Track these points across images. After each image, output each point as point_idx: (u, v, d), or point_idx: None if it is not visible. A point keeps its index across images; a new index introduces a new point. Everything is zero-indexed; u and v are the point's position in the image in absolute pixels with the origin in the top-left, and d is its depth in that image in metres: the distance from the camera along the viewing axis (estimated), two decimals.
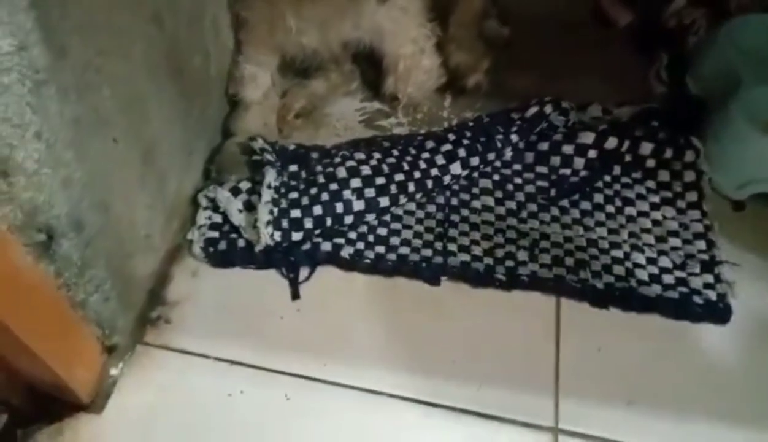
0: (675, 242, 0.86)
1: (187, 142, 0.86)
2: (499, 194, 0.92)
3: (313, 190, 0.86)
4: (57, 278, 0.62)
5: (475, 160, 0.92)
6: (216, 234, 0.86)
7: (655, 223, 0.88)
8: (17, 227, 0.54)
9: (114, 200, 0.68)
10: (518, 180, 0.94)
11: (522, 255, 0.85)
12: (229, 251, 0.85)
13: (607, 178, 0.93)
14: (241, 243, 0.85)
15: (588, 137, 0.93)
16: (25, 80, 0.50)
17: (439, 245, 0.86)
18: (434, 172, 0.90)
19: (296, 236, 0.84)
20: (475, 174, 0.93)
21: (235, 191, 0.88)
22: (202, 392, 0.74)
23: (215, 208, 0.88)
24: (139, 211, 0.75)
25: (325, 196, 0.85)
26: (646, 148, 0.92)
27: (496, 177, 0.94)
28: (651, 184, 0.93)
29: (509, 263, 0.84)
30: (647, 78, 1.10)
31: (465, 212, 0.90)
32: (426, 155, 0.92)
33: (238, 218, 0.86)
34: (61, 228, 0.59)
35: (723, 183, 0.92)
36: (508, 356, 0.77)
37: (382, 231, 0.88)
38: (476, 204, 0.91)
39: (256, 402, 0.73)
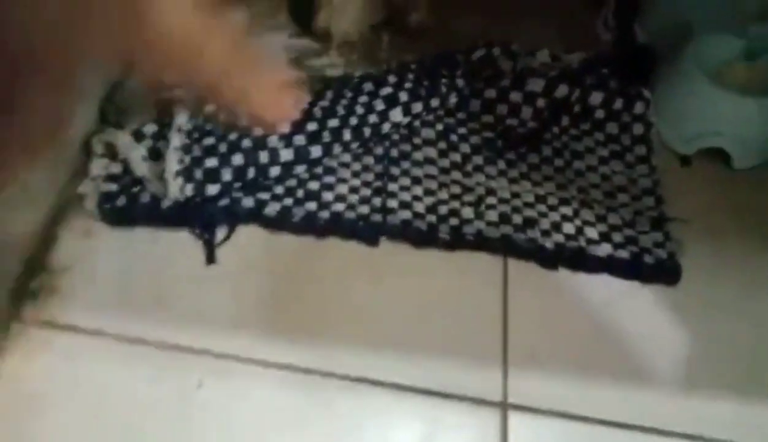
0: (624, 198, 0.82)
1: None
2: (442, 146, 0.84)
3: (233, 136, 0.74)
4: None
5: (417, 107, 0.82)
6: (114, 187, 0.73)
7: (604, 178, 0.84)
8: None
9: None
10: (463, 130, 0.86)
11: (467, 212, 0.77)
12: (131, 207, 0.72)
13: (555, 129, 0.87)
14: (144, 198, 0.72)
15: (537, 84, 0.86)
16: None
17: (377, 201, 0.77)
18: (372, 118, 0.80)
19: (212, 190, 0.72)
20: (417, 122, 0.84)
21: (138, 136, 0.74)
22: (99, 378, 0.62)
23: (113, 156, 0.74)
24: None
25: (246, 143, 0.74)
26: (596, 98, 0.87)
27: (440, 126, 0.85)
28: (600, 136, 0.88)
29: (453, 221, 0.76)
30: (594, 24, 1.04)
31: (406, 165, 0.81)
32: (363, 99, 0.81)
33: (142, 168, 0.73)
34: None
35: (671, 137, 0.88)
36: (454, 325, 0.70)
37: (314, 185, 0.77)
38: (418, 156, 0.82)
39: (165, 389, 0.62)
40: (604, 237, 0.77)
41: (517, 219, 0.78)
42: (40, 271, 0.67)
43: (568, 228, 0.77)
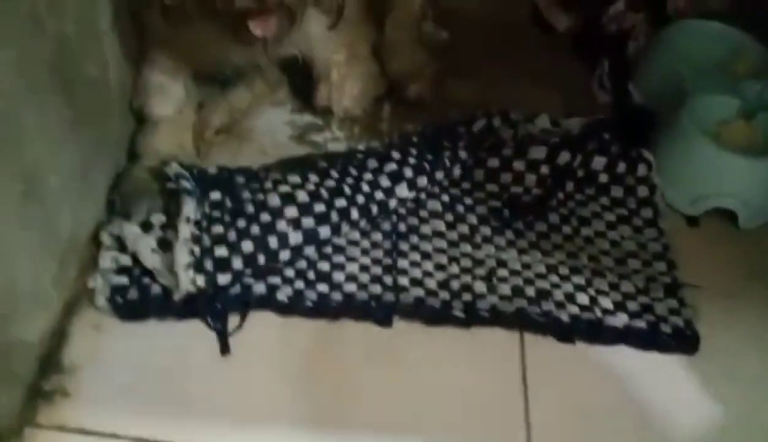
0: (635, 264, 0.82)
1: (82, 167, 0.71)
2: (449, 217, 0.84)
3: (241, 223, 0.74)
4: None
5: (422, 181, 0.83)
6: (124, 280, 0.72)
7: (613, 244, 0.84)
8: None
9: None
10: (468, 200, 0.86)
11: (479, 287, 0.77)
12: (142, 300, 0.71)
13: (560, 195, 0.87)
14: (155, 290, 0.72)
15: (540, 152, 0.87)
16: None
17: (388, 279, 0.76)
18: (379, 195, 0.80)
19: (223, 279, 0.71)
20: (422, 195, 0.85)
21: (147, 227, 0.74)
22: None
23: (122, 248, 0.74)
24: (20, 264, 0.60)
25: (255, 229, 0.73)
26: (599, 162, 0.87)
27: (445, 198, 0.86)
28: (605, 200, 0.88)
29: (467, 297, 0.76)
30: (590, 85, 1.06)
31: (414, 239, 0.81)
32: (369, 176, 0.82)
33: (152, 260, 0.72)
34: None
35: (676, 198, 0.89)
36: (474, 405, 0.69)
37: (324, 266, 0.77)
38: (426, 229, 0.82)
39: None
40: (620, 306, 0.77)
41: (530, 291, 0.77)
42: (52, 370, 0.66)
43: (582, 299, 0.77)
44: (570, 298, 0.77)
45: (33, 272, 0.62)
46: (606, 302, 0.77)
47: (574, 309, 0.76)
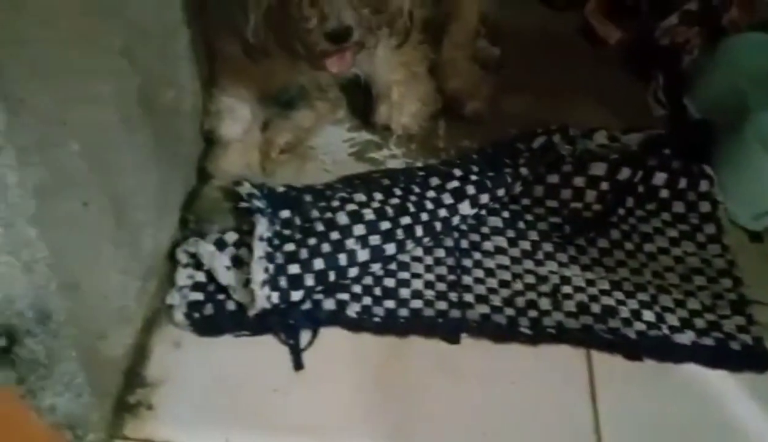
0: (700, 280, 0.81)
1: (161, 187, 0.74)
2: (511, 234, 0.85)
3: (312, 241, 0.76)
4: (19, 385, 0.49)
5: (484, 198, 0.84)
6: (200, 296, 0.75)
7: (677, 260, 0.83)
8: None
9: (84, 275, 0.56)
10: (529, 217, 0.87)
11: (544, 303, 0.78)
12: (217, 316, 0.73)
13: (621, 211, 0.87)
14: (230, 306, 0.74)
15: (600, 168, 0.87)
16: None
17: (454, 296, 0.78)
18: (442, 212, 0.81)
19: (296, 296, 0.73)
20: (483, 211, 0.86)
21: (221, 244, 0.77)
22: None
23: (197, 265, 0.76)
24: (112, 281, 0.63)
25: (326, 247, 0.75)
26: (660, 178, 0.87)
27: (506, 214, 0.87)
28: (667, 216, 0.88)
29: (532, 313, 0.77)
30: (645, 99, 1.06)
31: (477, 256, 0.82)
32: (432, 194, 0.83)
33: (226, 277, 0.74)
34: (25, 325, 0.47)
35: (738, 213, 0.88)
36: (543, 422, 0.70)
37: (390, 282, 0.79)
38: (488, 246, 0.83)
39: None
40: (686, 324, 0.77)
41: (596, 308, 0.77)
42: (136, 384, 0.69)
43: (648, 316, 0.77)
44: (636, 315, 0.77)
45: (121, 289, 0.65)
46: (672, 319, 0.77)
47: (640, 326, 0.76)
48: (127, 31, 0.59)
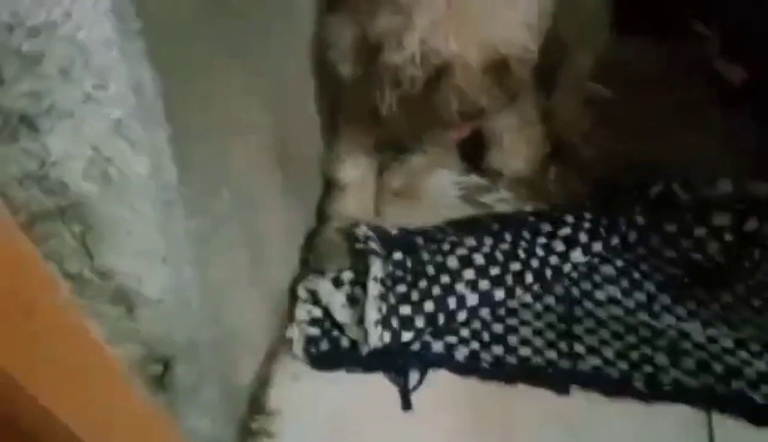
0: None
1: (288, 231, 0.80)
2: (624, 284, 0.83)
3: (423, 283, 0.79)
4: (169, 407, 0.55)
5: (597, 246, 0.83)
6: (317, 331, 0.80)
7: None
8: (136, 363, 0.49)
9: (226, 310, 0.62)
10: (645, 267, 0.84)
11: (661, 359, 0.75)
12: (333, 352, 0.78)
13: (747, 264, 0.83)
14: (344, 342, 0.78)
15: (723, 218, 0.84)
16: (155, 203, 0.44)
17: (563, 346, 0.77)
18: (553, 260, 0.82)
19: (406, 337, 0.76)
20: (596, 260, 0.84)
21: (337, 283, 0.81)
22: None
23: (315, 301, 0.81)
24: (246, 315, 0.69)
25: (436, 290, 0.78)
26: None
27: (619, 263, 0.85)
28: None
29: (647, 369, 0.74)
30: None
31: (588, 305, 0.81)
32: (542, 240, 0.83)
33: (342, 314, 0.79)
34: (179, 355, 0.53)
35: None
36: None
37: (498, 328, 0.79)
38: (600, 295, 0.82)
39: None
40: None
41: (718, 368, 0.74)
42: (258, 411, 0.74)
43: None
44: (763, 377, 0.72)
45: (254, 322, 0.71)
46: None
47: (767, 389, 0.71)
48: (272, 88, 0.66)
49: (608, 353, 0.76)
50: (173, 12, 0.46)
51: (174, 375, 0.53)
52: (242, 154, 0.61)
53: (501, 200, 0.96)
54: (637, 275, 0.83)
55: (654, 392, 0.72)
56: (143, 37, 0.40)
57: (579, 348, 0.77)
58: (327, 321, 0.80)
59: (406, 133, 0.81)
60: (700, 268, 0.83)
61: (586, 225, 0.84)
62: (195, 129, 0.50)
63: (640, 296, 0.81)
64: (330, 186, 0.91)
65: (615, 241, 0.84)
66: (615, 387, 0.73)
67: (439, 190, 0.98)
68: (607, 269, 0.84)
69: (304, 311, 0.81)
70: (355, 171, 0.89)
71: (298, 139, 0.78)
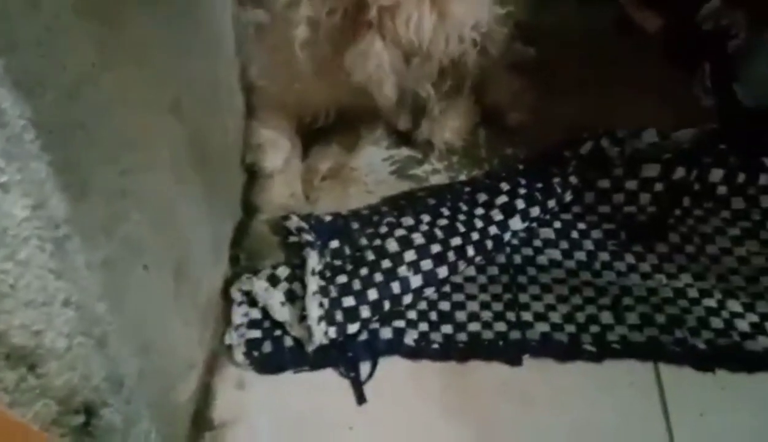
0: None
1: (215, 233, 0.74)
2: (564, 245, 0.83)
3: (364, 271, 0.75)
4: None
5: (535, 211, 0.82)
6: (257, 334, 0.75)
7: (742, 261, 0.80)
8: (52, 420, 0.43)
9: (152, 335, 0.57)
10: (582, 225, 0.84)
11: (606, 317, 0.76)
12: (276, 353, 0.73)
13: (678, 212, 0.84)
14: (288, 342, 0.74)
15: (652, 169, 0.84)
16: (45, 245, 0.38)
17: (511, 316, 0.76)
18: (493, 230, 0.80)
19: (352, 328, 0.73)
20: (534, 224, 0.84)
21: (273, 280, 0.76)
22: None
23: (252, 303, 0.76)
24: (176, 335, 0.63)
25: (378, 276, 0.75)
26: (716, 174, 0.84)
27: (557, 224, 0.85)
28: (726, 214, 0.84)
29: (594, 329, 0.75)
30: (691, 90, 1.02)
31: (532, 271, 0.80)
32: (480, 211, 0.81)
33: (282, 313, 0.74)
34: (101, 398, 0.47)
35: None
36: (615, 440, 0.68)
37: (445, 306, 0.77)
38: (542, 260, 0.81)
39: None
40: (758, 328, 0.74)
41: (661, 319, 0.75)
42: (204, 428, 0.69)
43: (717, 323, 0.74)
44: (703, 323, 0.74)
45: (186, 339, 0.66)
46: (743, 325, 0.74)
47: (709, 335, 0.73)
48: (178, 88, 0.59)
49: (555, 317, 0.76)
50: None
51: (100, 420, 0.47)
52: (151, 167, 0.54)
53: (434, 172, 0.94)
54: (575, 235, 0.83)
55: (603, 351, 0.73)
56: None
57: (527, 316, 0.76)
58: (267, 322, 0.76)
59: (320, 95, 0.76)
60: (635, 221, 0.84)
61: (522, 191, 0.82)
62: (87, 151, 0.43)
63: (581, 256, 0.82)
64: (254, 176, 0.85)
65: (551, 203, 0.83)
66: (565, 352, 0.73)
67: (370, 167, 0.94)
68: (547, 233, 0.84)
69: (240, 313, 0.76)
70: (278, 157, 0.84)
71: (215, 136, 0.72)
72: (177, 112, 0.59)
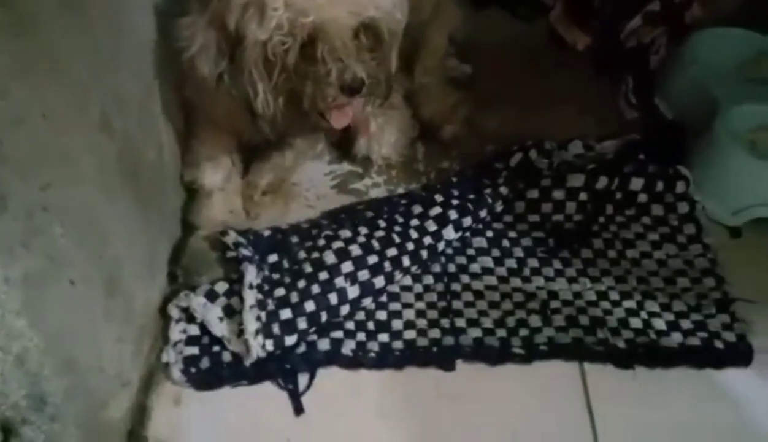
0: (684, 282, 0.83)
1: (150, 249, 0.74)
2: (496, 253, 0.86)
3: (301, 283, 0.77)
4: None
5: (467, 221, 0.85)
6: (195, 350, 0.75)
7: (660, 263, 0.85)
8: None
9: (79, 352, 0.57)
10: (512, 233, 0.88)
11: (535, 320, 0.79)
12: (214, 369, 0.74)
13: (601, 219, 0.89)
14: (226, 357, 0.75)
15: (577, 179, 0.89)
16: None
17: (446, 322, 0.79)
18: (427, 240, 0.83)
19: (290, 341, 0.74)
20: (467, 234, 0.87)
21: (211, 296, 0.77)
22: None
23: (190, 319, 0.77)
24: (107, 351, 0.64)
25: (315, 288, 0.76)
26: (637, 183, 0.89)
27: (490, 233, 0.88)
28: (647, 220, 0.89)
29: (524, 332, 0.78)
30: (616, 103, 1.07)
31: (465, 279, 0.83)
32: (415, 222, 0.84)
33: (220, 328, 0.75)
34: (21, 415, 0.48)
35: (717, 210, 0.90)
36: (543, 437, 0.71)
37: (382, 315, 0.80)
38: (475, 267, 0.85)
39: None
40: (673, 326, 0.78)
41: (584, 320, 0.79)
42: None
43: (636, 323, 0.79)
44: (624, 323, 0.79)
45: (117, 357, 0.66)
46: (659, 324, 0.79)
47: (628, 334, 0.78)
48: (103, 101, 0.60)
49: (487, 322, 0.79)
50: None
51: (20, 438, 0.47)
52: (75, 182, 0.55)
53: (374, 185, 0.96)
54: (506, 243, 0.87)
55: (531, 353, 0.76)
56: None
57: (460, 322, 0.79)
58: (205, 338, 0.76)
59: (282, 126, 0.78)
60: (561, 229, 0.88)
61: (455, 202, 0.85)
62: (6, 166, 0.44)
63: (511, 263, 0.85)
64: (193, 193, 0.86)
65: (483, 213, 0.86)
66: (496, 356, 0.76)
67: (311, 182, 0.96)
68: (479, 241, 0.87)
69: (178, 330, 0.76)
70: (217, 175, 0.85)
71: (147, 150, 0.72)
72: (104, 125, 0.59)
